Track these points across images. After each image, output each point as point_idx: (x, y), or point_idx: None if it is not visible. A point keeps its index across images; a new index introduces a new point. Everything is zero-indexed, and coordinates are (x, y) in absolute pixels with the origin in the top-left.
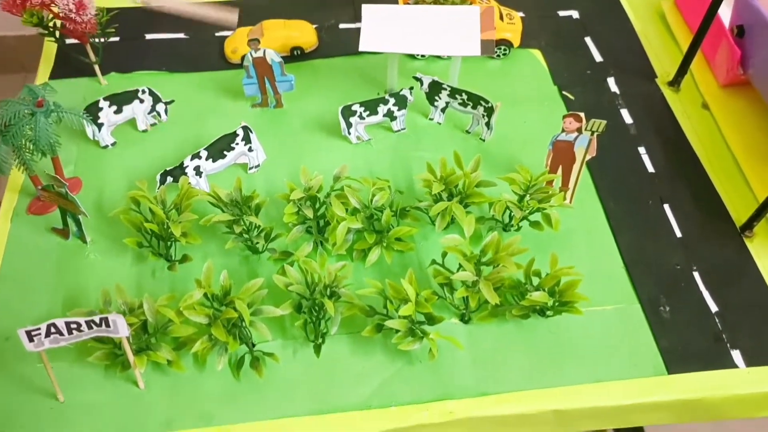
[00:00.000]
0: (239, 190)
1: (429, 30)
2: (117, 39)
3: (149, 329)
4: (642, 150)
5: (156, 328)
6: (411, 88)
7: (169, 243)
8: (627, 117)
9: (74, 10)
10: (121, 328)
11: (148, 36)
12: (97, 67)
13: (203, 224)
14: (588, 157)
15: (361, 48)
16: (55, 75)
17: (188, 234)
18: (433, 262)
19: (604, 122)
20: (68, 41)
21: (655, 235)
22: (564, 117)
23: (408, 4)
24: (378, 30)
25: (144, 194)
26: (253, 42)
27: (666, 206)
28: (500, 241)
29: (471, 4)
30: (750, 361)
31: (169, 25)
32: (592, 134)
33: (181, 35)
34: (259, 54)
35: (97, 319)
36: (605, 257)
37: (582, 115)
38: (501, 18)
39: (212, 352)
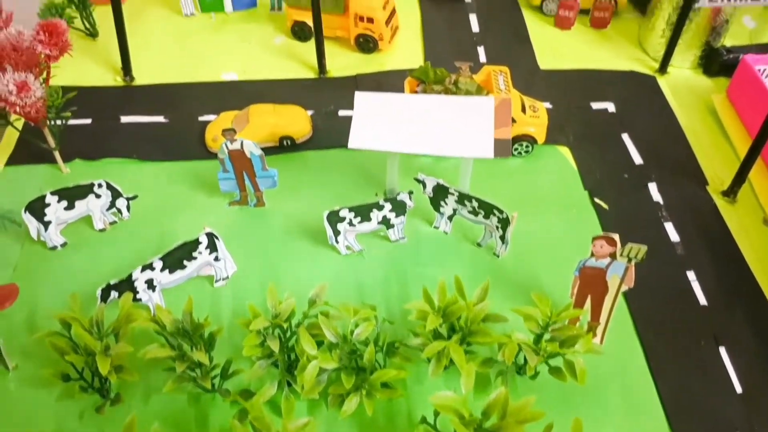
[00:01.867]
0: (189, 315)
1: (433, 125)
2: (89, 121)
3: None
4: (691, 275)
5: None
6: (411, 192)
7: (104, 377)
8: (672, 233)
9: (14, 92)
10: None
11: (124, 119)
12: (57, 153)
13: (140, 358)
14: (624, 288)
15: (350, 145)
16: (13, 161)
17: (124, 368)
18: (423, 420)
19: (644, 248)
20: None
21: (708, 385)
22: (594, 240)
23: (416, 92)
24: (372, 123)
25: (74, 316)
26: (229, 132)
27: (722, 348)
28: (508, 401)
29: (487, 93)
30: None
31: (147, 107)
32: (629, 261)
33: (160, 118)
34: (236, 146)
35: None
36: (643, 413)
37: (616, 238)
38: (524, 110)
39: None
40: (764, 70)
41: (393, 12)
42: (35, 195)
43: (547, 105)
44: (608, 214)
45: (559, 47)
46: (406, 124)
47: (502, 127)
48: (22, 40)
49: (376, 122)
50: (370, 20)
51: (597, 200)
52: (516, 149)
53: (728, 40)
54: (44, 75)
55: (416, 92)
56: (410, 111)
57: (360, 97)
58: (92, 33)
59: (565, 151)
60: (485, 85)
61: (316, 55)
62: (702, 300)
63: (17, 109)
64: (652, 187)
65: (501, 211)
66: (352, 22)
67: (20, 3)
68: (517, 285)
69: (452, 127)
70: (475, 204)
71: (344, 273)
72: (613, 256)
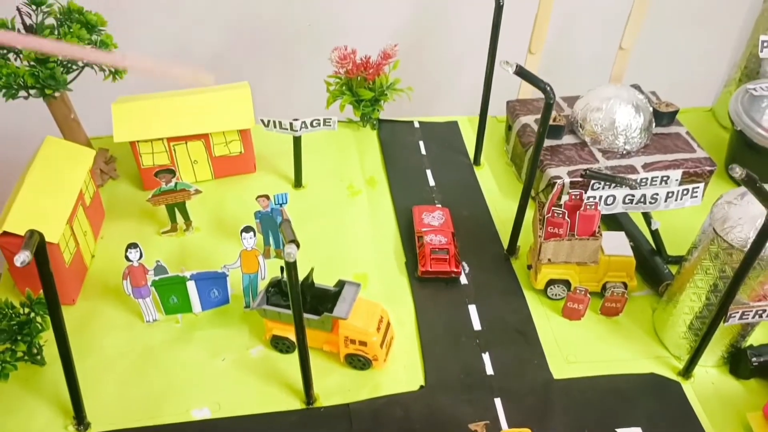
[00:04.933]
0: None
1: None
2: None
3: None
4: None
5: None
6: None
7: None
8: None
9: None
10: None
11: None
12: None
13: None
14: None
15: None
16: None
17: None
18: None
19: None
20: None
21: None
22: None
23: None
24: None
25: None
26: None
27: None
28: None
29: None
30: None
31: None
32: None
33: None
34: None
35: None
36: None
37: None
38: None
39: None
40: None
41: (388, 326)
42: None
43: None
44: None
45: (569, 345)
46: None
47: None
48: None
49: None
50: (363, 343)
51: None
52: None
53: (754, 338)
54: None
55: None
56: None
57: None
58: (38, 361)
59: None
60: None
61: (303, 384)
62: None
63: None
64: None
65: None
66: (341, 342)
67: None
68: None
69: None
70: None
71: None
72: None
